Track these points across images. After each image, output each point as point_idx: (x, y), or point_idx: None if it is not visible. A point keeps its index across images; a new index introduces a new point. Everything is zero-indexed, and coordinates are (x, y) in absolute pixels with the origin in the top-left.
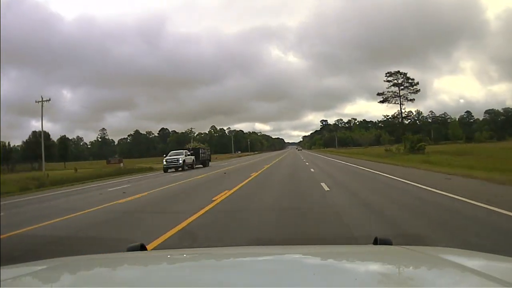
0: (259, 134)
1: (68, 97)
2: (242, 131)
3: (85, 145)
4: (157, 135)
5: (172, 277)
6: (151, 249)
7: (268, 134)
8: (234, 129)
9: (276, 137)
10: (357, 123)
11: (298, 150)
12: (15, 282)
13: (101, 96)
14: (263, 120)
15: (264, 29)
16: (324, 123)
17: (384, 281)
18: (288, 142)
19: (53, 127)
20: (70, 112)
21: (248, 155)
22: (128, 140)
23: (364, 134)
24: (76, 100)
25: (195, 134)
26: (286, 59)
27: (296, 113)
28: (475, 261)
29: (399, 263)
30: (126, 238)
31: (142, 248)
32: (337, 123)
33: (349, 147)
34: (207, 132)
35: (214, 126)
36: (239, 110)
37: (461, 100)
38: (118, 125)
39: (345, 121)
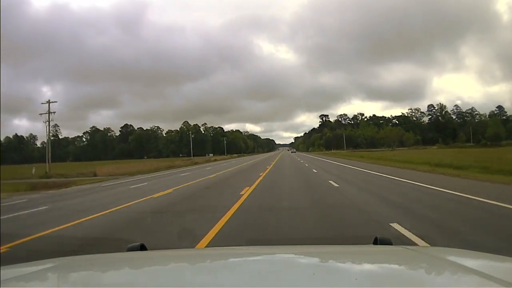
0: (245, 133)
1: (45, 92)
2: (222, 128)
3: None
4: (118, 133)
5: (171, 277)
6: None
7: (256, 134)
8: (212, 125)
9: (266, 137)
10: (365, 119)
11: (292, 152)
12: (15, 282)
13: (80, 92)
14: (254, 120)
15: (254, 20)
16: (324, 119)
17: (384, 281)
18: (279, 144)
19: (32, 126)
20: (51, 110)
21: (217, 160)
22: (84, 139)
23: (380, 132)
24: (55, 97)
25: (164, 132)
26: (278, 53)
27: (288, 113)
28: (475, 261)
29: (399, 263)
30: None
31: (142, 248)
32: (339, 119)
33: (361, 149)
34: (178, 129)
35: (187, 122)
36: (229, 109)
37: (458, 101)
38: (105, 125)
39: (350, 117)
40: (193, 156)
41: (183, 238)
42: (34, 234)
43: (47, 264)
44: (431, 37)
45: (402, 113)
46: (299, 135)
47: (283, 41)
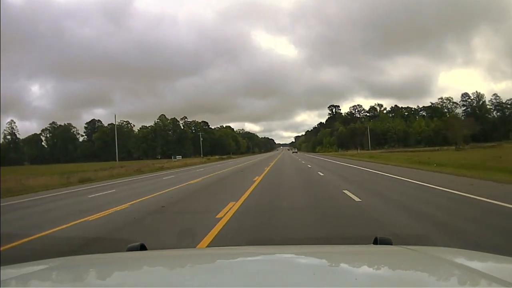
0: (239, 131)
1: (31, 89)
2: (207, 123)
3: None
4: (83, 131)
5: (171, 277)
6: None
7: (253, 133)
8: (194, 120)
9: (264, 136)
10: (384, 111)
11: (293, 152)
12: (15, 282)
13: (69, 89)
14: (253, 119)
15: (251, 9)
16: (334, 110)
17: (384, 281)
18: (279, 144)
19: (21, 126)
20: (39, 108)
21: (162, 169)
22: (42, 137)
23: (413, 126)
24: (44, 95)
25: (135, 128)
26: (277, 47)
27: (288, 112)
28: (475, 261)
29: (399, 263)
30: None
31: (142, 248)
32: (352, 111)
33: (394, 148)
34: (153, 124)
35: (164, 116)
36: (226, 107)
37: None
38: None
39: (367, 109)
40: (162, 157)
41: None
42: None
43: (47, 264)
44: (442, 27)
45: (432, 103)
46: (299, 135)
47: (283, 33)
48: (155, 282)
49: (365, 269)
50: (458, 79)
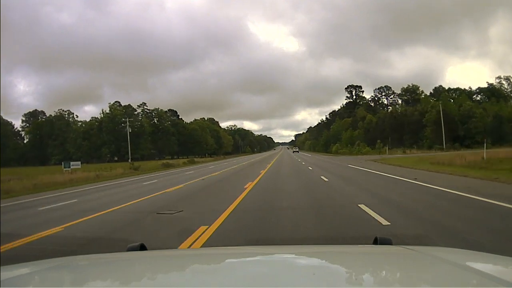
0: (231, 127)
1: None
2: (176, 112)
3: None
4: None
5: (171, 277)
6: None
7: (248, 130)
8: (157, 108)
9: (261, 134)
10: (423, 94)
11: (294, 151)
12: (15, 282)
13: (47, 82)
14: (252, 118)
15: None
16: (354, 93)
17: (384, 281)
18: (278, 142)
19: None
20: (23, 105)
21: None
22: None
23: (491, 110)
24: (33, 91)
25: (80, 120)
26: (276, 37)
27: (288, 109)
28: (475, 261)
29: (399, 263)
30: None
31: (142, 248)
32: (378, 95)
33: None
34: (101, 115)
35: (118, 103)
36: (223, 104)
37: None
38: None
39: (398, 93)
40: (110, 160)
41: None
42: None
43: (47, 264)
44: (455, 14)
45: (489, 84)
46: (299, 133)
47: (282, 20)
48: (155, 282)
49: (365, 269)
50: (467, 72)
